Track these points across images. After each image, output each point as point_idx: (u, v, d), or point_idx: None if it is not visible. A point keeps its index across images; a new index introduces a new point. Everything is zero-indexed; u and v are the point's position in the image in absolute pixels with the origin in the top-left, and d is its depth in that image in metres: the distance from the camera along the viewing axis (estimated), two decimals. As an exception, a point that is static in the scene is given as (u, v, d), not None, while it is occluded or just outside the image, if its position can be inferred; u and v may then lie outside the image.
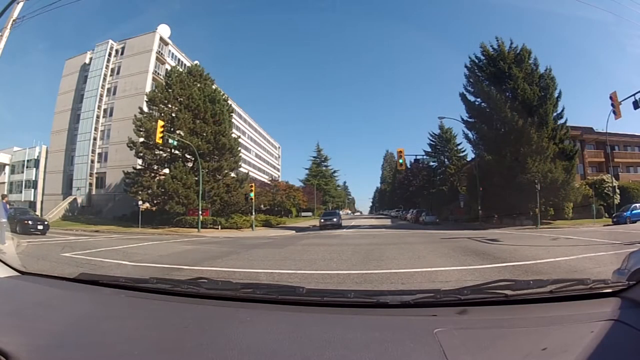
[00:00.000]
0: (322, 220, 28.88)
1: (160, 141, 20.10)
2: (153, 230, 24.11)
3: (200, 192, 23.11)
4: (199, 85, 30.90)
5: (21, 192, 53.73)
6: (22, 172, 54.52)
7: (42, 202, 49.60)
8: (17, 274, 1.89)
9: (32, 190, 53.16)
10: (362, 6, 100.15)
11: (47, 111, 52.44)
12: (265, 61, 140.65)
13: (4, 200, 13.95)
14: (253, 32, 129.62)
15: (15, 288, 1.74)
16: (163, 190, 26.18)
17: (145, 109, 30.54)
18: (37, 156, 54.03)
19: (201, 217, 21.89)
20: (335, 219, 28.53)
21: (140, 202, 26.21)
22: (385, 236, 18.45)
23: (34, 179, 53.72)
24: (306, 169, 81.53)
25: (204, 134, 27.50)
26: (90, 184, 45.85)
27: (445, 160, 52.22)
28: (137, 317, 1.42)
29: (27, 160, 55.27)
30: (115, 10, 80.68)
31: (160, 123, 20.03)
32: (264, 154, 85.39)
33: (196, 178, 26.06)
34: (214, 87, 31.68)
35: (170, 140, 23.00)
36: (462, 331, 1.14)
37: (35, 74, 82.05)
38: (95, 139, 46.53)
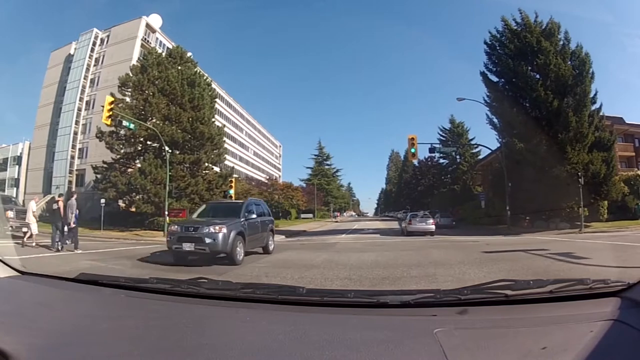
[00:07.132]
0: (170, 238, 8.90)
1: (108, 122, 16.19)
2: (114, 233, 20.26)
3: (167, 188, 19.19)
4: (179, 67, 27.10)
5: (4, 191, 50.79)
6: (6, 170, 51.73)
7: (23, 202, 46.56)
8: (17, 274, 1.86)
9: (15, 189, 50.11)
10: (363, 5, 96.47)
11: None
12: (265, 61, 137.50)
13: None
14: (254, 32, 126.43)
15: (15, 288, 1.72)
16: (130, 187, 22.38)
17: (119, 95, 26.80)
18: (20, 153, 51.04)
19: (168, 219, 18.06)
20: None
21: (102, 201, 22.40)
22: (395, 246, 13.16)
23: (16, 177, 50.78)
24: (308, 167, 77.17)
25: (181, 121, 23.60)
26: (70, 182, 42.31)
27: (457, 157, 48.00)
28: (137, 317, 1.42)
29: (11, 157, 52.49)
30: (114, 10, 77.93)
31: (109, 99, 16.13)
32: (263, 152, 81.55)
33: (171, 173, 22.22)
34: (195, 69, 27.82)
35: (125, 123, 19.16)
36: (462, 331, 1.13)
37: (34, 70, 79.51)
38: (76, 133, 43.11)
